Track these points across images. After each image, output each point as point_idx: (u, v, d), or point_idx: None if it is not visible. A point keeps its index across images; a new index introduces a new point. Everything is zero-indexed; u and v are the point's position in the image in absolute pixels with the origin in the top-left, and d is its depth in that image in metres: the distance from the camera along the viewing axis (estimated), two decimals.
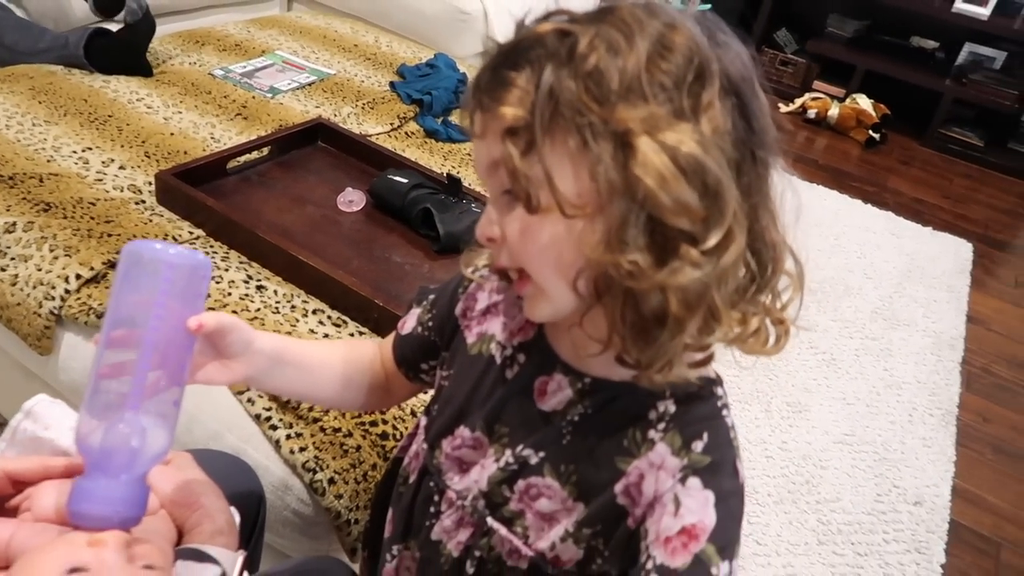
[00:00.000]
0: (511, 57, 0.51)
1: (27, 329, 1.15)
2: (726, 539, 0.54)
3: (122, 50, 1.74)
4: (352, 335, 1.17)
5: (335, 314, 1.20)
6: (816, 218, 2.90)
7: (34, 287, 1.15)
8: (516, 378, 0.64)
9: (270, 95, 1.79)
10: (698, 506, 0.54)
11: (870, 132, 3.58)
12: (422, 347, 0.73)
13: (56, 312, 1.14)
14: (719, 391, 0.59)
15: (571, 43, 0.49)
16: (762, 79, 0.53)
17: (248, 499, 0.89)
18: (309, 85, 1.88)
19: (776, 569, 1.55)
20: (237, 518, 0.73)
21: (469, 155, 1.74)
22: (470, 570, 0.65)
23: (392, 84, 1.93)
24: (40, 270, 1.16)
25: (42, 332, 1.14)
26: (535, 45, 0.50)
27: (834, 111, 3.65)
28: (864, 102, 3.64)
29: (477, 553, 0.65)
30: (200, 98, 1.72)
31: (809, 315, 2.34)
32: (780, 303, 0.55)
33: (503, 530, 0.63)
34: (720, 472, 0.56)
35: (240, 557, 0.65)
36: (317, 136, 1.63)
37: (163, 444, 0.56)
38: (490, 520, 0.64)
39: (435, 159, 1.69)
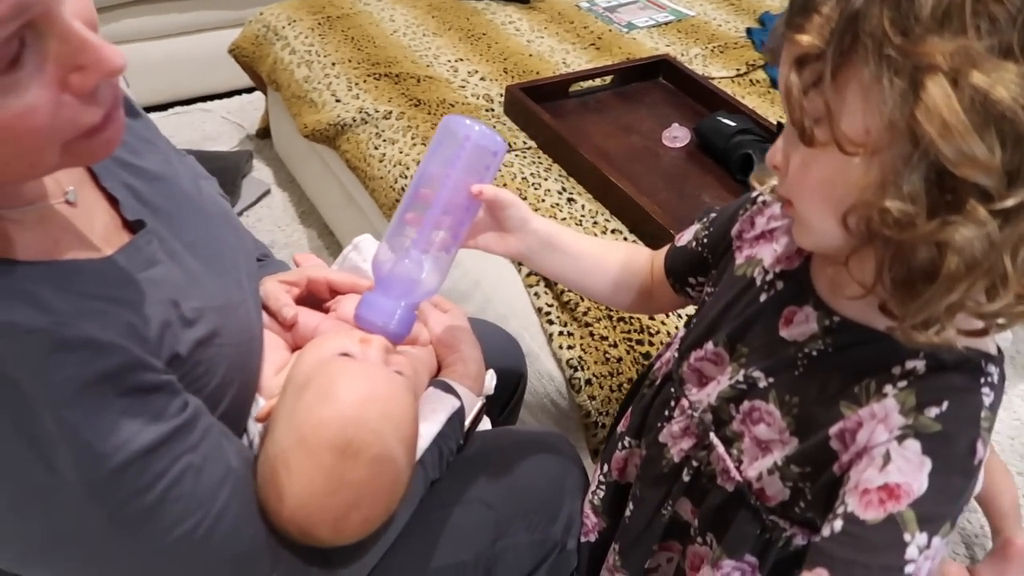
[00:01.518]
0: None
1: (383, 199, 1.38)
2: (933, 512, 0.49)
3: None
4: None
5: (632, 237, 1.25)
6: None
7: (394, 166, 1.37)
8: (768, 302, 0.63)
9: (626, 30, 1.86)
10: (910, 468, 0.50)
11: None
12: (692, 261, 0.75)
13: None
14: (989, 367, 0.53)
15: None
16: None
17: (511, 373, 1.00)
18: (665, 24, 1.91)
19: None
20: (493, 380, 0.83)
21: None
22: (685, 478, 0.68)
23: (748, 30, 1.88)
24: (401, 152, 1.38)
25: (394, 204, 1.36)
26: None
27: None
28: None
29: (694, 464, 0.67)
30: (562, 27, 1.85)
31: None
32: None
33: (720, 448, 0.64)
34: (949, 445, 0.51)
35: (480, 402, 0.75)
36: (659, 72, 1.66)
37: (435, 284, 0.67)
38: (712, 435, 0.65)
39: (774, 109, 1.63)
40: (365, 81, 1.55)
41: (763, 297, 0.64)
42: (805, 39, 0.48)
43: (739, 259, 0.68)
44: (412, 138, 1.40)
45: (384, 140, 1.42)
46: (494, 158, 0.67)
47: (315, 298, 0.76)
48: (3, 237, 0.50)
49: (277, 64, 1.72)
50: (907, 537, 0.49)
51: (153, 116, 2.15)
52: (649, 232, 1.23)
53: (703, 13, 1.99)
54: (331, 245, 1.81)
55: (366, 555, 0.64)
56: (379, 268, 0.66)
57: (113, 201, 0.59)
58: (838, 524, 0.52)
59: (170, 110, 2.24)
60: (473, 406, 0.73)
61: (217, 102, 2.28)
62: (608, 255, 0.80)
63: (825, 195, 0.51)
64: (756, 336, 0.63)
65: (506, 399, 1.00)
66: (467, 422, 0.72)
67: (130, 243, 0.57)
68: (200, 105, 2.27)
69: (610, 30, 1.85)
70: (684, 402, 0.69)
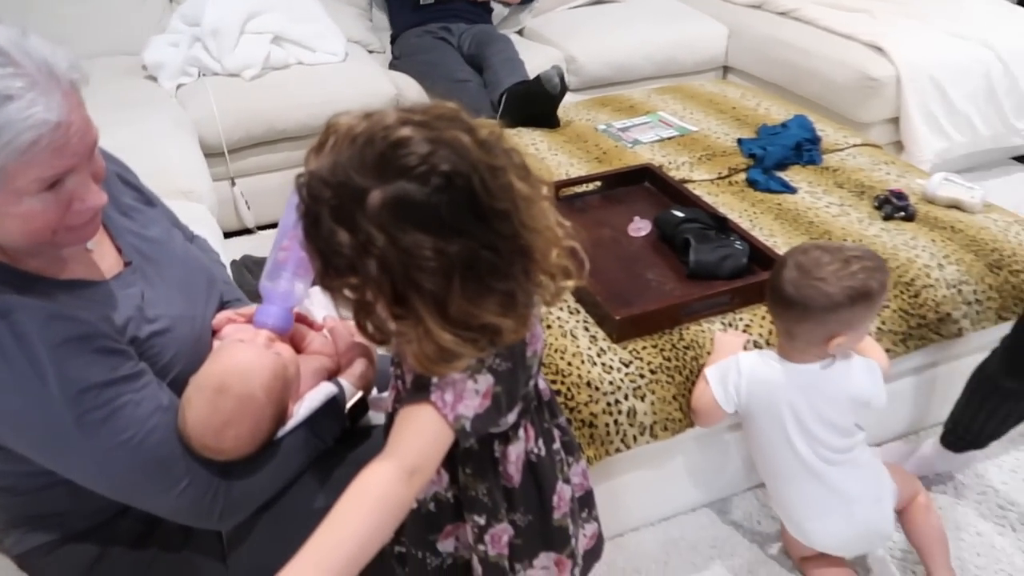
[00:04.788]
0: None
1: None
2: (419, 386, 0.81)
3: (530, 98, 2.32)
4: (581, 321, 1.49)
5: (575, 306, 1.53)
6: None
7: None
8: None
9: (631, 145, 2.19)
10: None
11: None
12: None
13: None
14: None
15: None
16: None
17: None
18: (668, 139, 2.22)
19: None
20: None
21: (780, 205, 1.87)
22: None
23: (739, 140, 2.15)
24: None
25: None
26: None
27: None
28: None
29: None
30: (576, 145, 2.21)
31: None
32: None
33: None
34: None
35: (358, 394, 1.06)
36: (644, 178, 1.96)
37: (301, 294, 1.01)
38: None
39: (744, 205, 1.87)
40: None
41: None
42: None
43: None
44: None
45: None
46: None
47: None
48: (50, 266, 0.90)
49: None
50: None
51: (267, 231, 2.72)
52: (589, 301, 1.51)
53: (706, 128, 2.28)
54: None
55: (253, 477, 0.95)
56: (264, 290, 1.01)
57: (120, 250, 0.99)
58: None
59: None
60: (352, 395, 1.05)
61: None
62: None
63: None
64: None
65: None
66: (348, 404, 1.04)
67: (119, 273, 0.96)
68: None
69: (616, 146, 2.18)
70: None
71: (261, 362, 0.93)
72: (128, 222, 1.04)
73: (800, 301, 1.23)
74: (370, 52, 3.11)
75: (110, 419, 0.86)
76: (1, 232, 0.83)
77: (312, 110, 2.66)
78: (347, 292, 0.77)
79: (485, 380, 0.81)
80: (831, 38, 2.87)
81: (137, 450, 0.87)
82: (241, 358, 0.93)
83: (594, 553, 1.14)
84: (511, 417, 0.88)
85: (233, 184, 2.66)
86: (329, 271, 0.76)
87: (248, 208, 2.69)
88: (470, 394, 0.80)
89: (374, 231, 0.71)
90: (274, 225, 2.77)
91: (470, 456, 0.90)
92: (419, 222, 0.71)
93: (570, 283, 0.85)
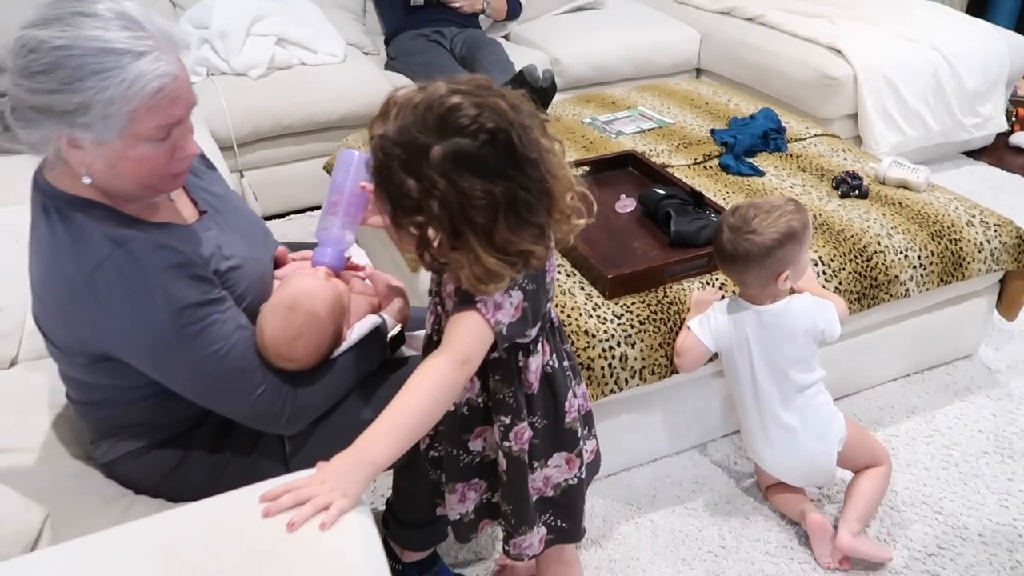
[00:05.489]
0: None
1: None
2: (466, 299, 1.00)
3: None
4: (577, 282, 1.68)
5: (572, 270, 1.73)
6: None
7: None
8: None
9: (615, 136, 2.40)
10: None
11: None
12: None
13: None
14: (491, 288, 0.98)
15: None
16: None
17: None
18: (648, 130, 2.43)
19: None
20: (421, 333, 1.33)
21: (750, 186, 2.09)
22: None
23: (712, 130, 2.37)
24: None
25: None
26: None
27: None
28: None
29: None
30: (564, 136, 2.40)
31: None
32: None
33: None
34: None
35: (398, 326, 1.25)
36: (628, 163, 2.17)
37: (350, 240, 1.20)
38: None
39: (717, 186, 2.08)
40: None
41: None
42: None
43: None
44: None
45: None
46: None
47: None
48: (144, 211, 1.08)
49: None
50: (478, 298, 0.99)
51: (273, 222, 2.89)
52: (583, 265, 1.71)
53: (683, 121, 2.50)
54: None
55: (314, 387, 1.13)
56: (319, 235, 1.20)
57: (195, 202, 1.18)
58: None
59: (286, 217, 2.96)
60: (392, 326, 1.24)
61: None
62: None
63: None
64: None
65: None
66: (390, 335, 1.23)
67: (199, 219, 1.14)
68: (308, 213, 2.97)
69: (601, 136, 2.39)
70: None
71: (324, 289, 1.13)
72: (198, 180, 1.22)
73: (740, 255, 1.45)
74: (366, 54, 3.30)
75: (203, 333, 1.03)
76: (114, 175, 1.01)
77: (315, 107, 2.85)
78: (412, 230, 0.96)
79: (517, 296, 1.01)
80: (794, 41, 3.12)
81: (224, 360, 1.05)
82: (308, 283, 1.12)
83: (594, 467, 1.34)
84: (533, 331, 1.08)
85: (242, 176, 2.83)
86: (398, 213, 0.95)
87: (256, 199, 2.86)
88: (506, 306, 1.00)
89: (437, 177, 0.90)
90: (281, 215, 3.00)
91: (498, 365, 1.09)
92: (472, 169, 0.90)
93: (582, 221, 1.05)
